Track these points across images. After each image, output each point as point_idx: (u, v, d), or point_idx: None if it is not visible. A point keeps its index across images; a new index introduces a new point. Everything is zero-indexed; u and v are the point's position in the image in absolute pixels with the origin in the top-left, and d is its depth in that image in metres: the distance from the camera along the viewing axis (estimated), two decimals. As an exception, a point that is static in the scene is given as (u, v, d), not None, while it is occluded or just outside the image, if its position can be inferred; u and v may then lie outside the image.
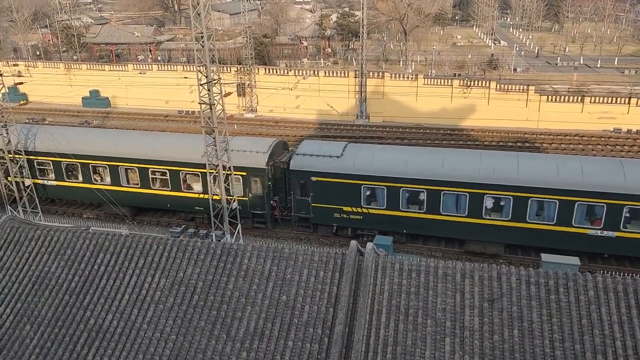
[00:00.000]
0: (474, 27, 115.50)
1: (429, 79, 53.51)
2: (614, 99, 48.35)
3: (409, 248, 28.59)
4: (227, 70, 58.23)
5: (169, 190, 31.35)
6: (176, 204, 31.71)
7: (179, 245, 13.94)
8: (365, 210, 28.16)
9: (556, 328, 11.20)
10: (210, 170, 25.56)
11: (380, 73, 55.27)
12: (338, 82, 55.44)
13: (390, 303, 12.04)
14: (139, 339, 12.33)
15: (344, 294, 12.11)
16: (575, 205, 24.99)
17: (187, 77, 57.47)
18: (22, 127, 34.68)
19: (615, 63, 72.49)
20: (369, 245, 12.96)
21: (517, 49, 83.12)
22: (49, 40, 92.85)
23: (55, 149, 32.39)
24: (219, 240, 21.81)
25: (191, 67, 59.87)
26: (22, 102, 65.53)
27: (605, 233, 25.07)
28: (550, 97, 49.86)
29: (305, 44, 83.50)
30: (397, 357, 11.20)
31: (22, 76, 62.30)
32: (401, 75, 54.84)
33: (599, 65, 71.99)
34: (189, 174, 30.76)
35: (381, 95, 54.32)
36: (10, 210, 30.61)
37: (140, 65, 64.65)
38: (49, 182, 33.66)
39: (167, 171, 31.01)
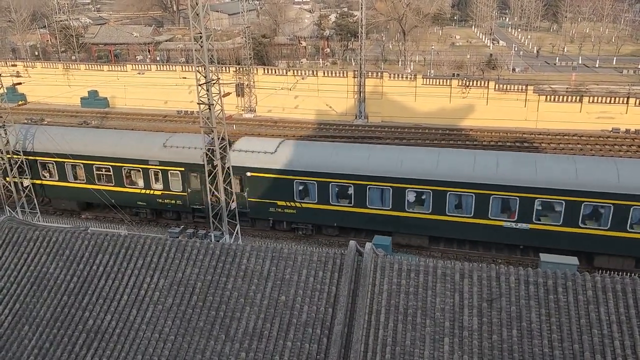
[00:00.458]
0: (473, 27, 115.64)
1: (428, 79, 53.52)
2: (613, 98, 48.42)
3: (408, 248, 28.55)
4: (225, 70, 58.22)
5: (113, 186, 32.08)
6: (119, 199, 32.24)
7: (178, 246, 13.92)
8: (298, 205, 29.22)
9: (555, 328, 11.21)
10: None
11: (379, 73, 55.25)
12: (337, 82, 55.42)
13: (389, 303, 12.03)
14: (138, 340, 12.32)
15: (343, 294, 12.11)
16: (491, 199, 26.01)
17: (185, 78, 57.49)
18: (21, 127, 34.73)
19: (614, 63, 72.58)
20: (368, 245, 12.96)
21: (516, 49, 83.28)
22: (48, 40, 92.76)
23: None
24: (218, 241, 21.79)
25: (190, 67, 59.91)
26: (20, 102, 65.43)
27: (519, 225, 25.99)
28: (548, 97, 49.92)
29: (304, 44, 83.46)
30: (396, 357, 11.20)
31: (20, 76, 62.22)
32: (400, 75, 54.82)
33: (597, 65, 72.07)
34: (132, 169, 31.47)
35: (380, 95, 54.32)
36: (9, 211, 30.60)
37: (139, 66, 64.58)
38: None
39: (110, 167, 31.73)
